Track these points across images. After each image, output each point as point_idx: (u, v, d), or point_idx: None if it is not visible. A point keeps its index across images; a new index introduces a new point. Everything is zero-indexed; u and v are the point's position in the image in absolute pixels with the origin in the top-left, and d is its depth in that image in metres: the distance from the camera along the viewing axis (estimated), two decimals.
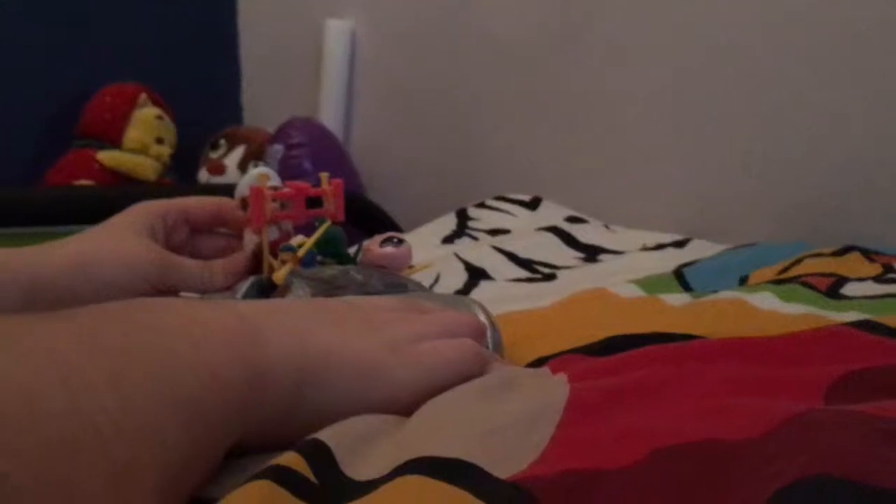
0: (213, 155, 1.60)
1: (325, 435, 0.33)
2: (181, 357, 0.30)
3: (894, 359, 0.41)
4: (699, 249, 0.94)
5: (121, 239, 0.55)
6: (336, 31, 1.52)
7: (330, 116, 1.53)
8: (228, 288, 0.57)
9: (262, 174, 0.59)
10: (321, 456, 0.31)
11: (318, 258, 0.58)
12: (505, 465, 0.29)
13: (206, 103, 1.71)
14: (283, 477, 0.29)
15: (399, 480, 0.28)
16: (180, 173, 1.60)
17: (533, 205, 1.15)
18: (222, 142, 1.60)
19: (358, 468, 0.31)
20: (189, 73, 1.70)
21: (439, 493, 0.27)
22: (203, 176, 1.59)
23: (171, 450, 0.27)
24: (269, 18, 1.69)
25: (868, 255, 0.77)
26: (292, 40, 1.64)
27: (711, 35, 1.08)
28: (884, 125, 0.95)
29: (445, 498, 0.27)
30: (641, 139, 1.16)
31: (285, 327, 0.37)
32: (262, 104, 1.73)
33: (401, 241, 0.59)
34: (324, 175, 0.59)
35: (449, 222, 1.09)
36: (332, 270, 0.55)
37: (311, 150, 1.40)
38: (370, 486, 0.29)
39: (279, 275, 0.53)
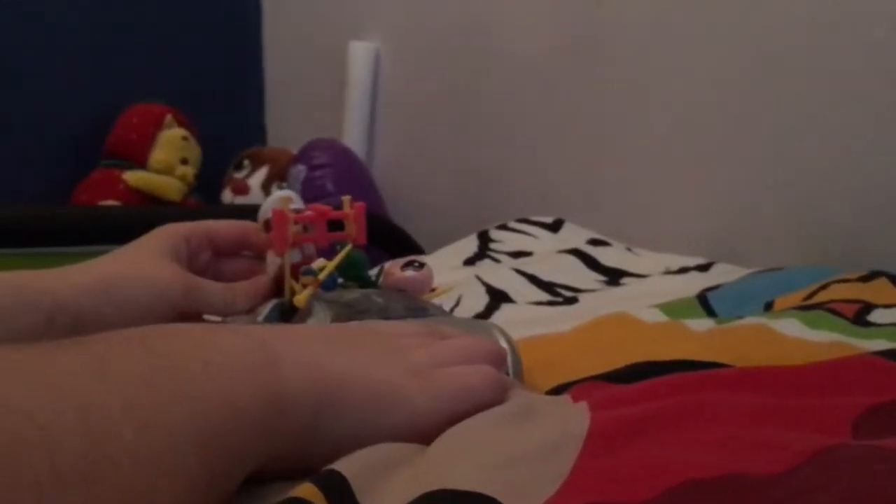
0: (237, 175, 1.61)
1: (341, 465, 0.32)
2: (198, 384, 0.30)
3: None
4: (723, 273, 0.93)
5: (144, 261, 0.55)
6: (359, 53, 1.53)
7: (353, 138, 1.53)
8: (250, 311, 0.57)
9: (285, 197, 0.59)
10: (337, 486, 0.31)
11: (340, 281, 0.58)
12: (522, 497, 0.28)
13: (231, 124, 1.73)
14: None
15: None
16: (205, 194, 1.62)
17: (555, 227, 1.14)
18: (246, 162, 1.62)
19: (375, 499, 0.31)
20: (214, 94, 1.72)
21: None
22: (227, 196, 1.60)
23: (186, 478, 0.27)
24: (293, 40, 1.71)
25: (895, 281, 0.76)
26: (316, 62, 1.65)
27: (735, 55, 1.07)
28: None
29: None
30: (664, 161, 1.16)
31: (303, 353, 0.37)
32: (286, 125, 1.74)
33: (422, 265, 0.59)
34: (346, 198, 0.59)
35: (471, 244, 1.09)
36: (353, 294, 0.55)
37: (333, 171, 1.40)
38: None
39: (301, 298, 0.53)
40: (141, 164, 1.54)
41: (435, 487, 0.29)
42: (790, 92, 1.03)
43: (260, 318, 0.55)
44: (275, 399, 0.33)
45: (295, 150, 1.51)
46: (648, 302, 0.74)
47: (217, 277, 0.59)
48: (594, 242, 1.09)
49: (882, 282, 0.75)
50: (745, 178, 1.08)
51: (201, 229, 0.59)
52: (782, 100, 1.04)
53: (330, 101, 1.58)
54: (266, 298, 0.57)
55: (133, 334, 0.31)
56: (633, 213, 1.18)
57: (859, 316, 0.63)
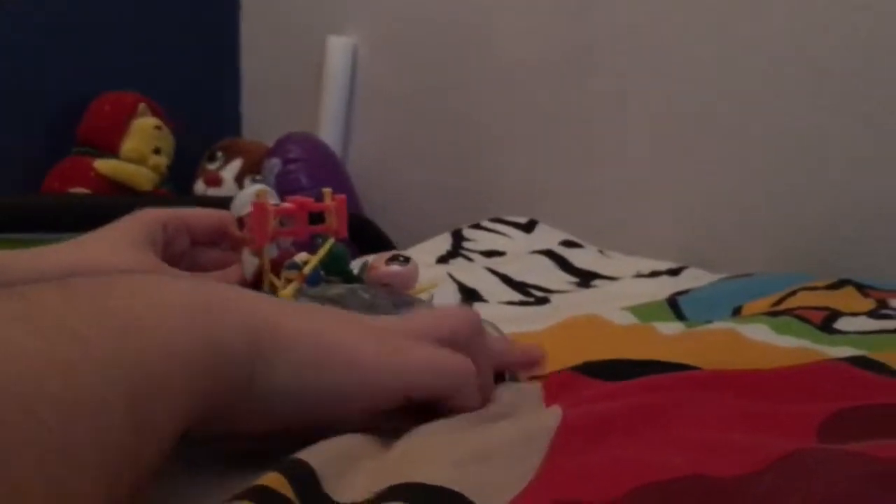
0: (211, 167, 1.60)
1: (309, 454, 0.32)
2: (132, 326, 0.28)
3: (888, 397, 0.41)
4: (693, 278, 0.94)
5: (116, 247, 0.54)
6: (338, 48, 1.53)
7: (329, 132, 1.53)
8: None
9: (263, 190, 0.57)
10: (304, 476, 0.30)
11: (322, 276, 0.56)
12: (490, 494, 0.28)
13: (206, 115, 1.71)
14: (265, 498, 0.28)
15: None
16: (177, 184, 1.60)
17: (528, 227, 1.15)
18: (220, 154, 1.60)
19: (342, 491, 0.31)
20: (189, 85, 1.70)
21: None
22: (200, 187, 1.59)
23: (110, 424, 0.25)
24: (271, 33, 1.70)
25: (862, 289, 0.77)
26: (294, 55, 1.64)
27: (713, 70, 1.08)
28: (883, 159, 0.96)
29: None
30: (641, 167, 1.16)
31: (245, 301, 0.34)
32: (262, 118, 1.73)
33: (407, 259, 0.57)
34: (327, 190, 0.57)
35: (444, 242, 1.09)
36: (337, 289, 0.53)
37: (308, 165, 1.40)
38: None
39: (287, 293, 0.51)
40: (113, 152, 1.52)
41: (403, 481, 0.29)
42: (765, 105, 1.04)
43: None
44: (211, 343, 0.31)
45: (270, 143, 1.50)
46: (619, 304, 0.74)
47: (193, 267, 0.58)
48: (567, 244, 1.09)
49: (849, 290, 0.77)
50: (717, 187, 1.09)
51: (178, 216, 0.58)
52: (757, 113, 1.05)
53: (307, 95, 1.57)
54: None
55: (70, 281, 0.30)
56: (607, 218, 1.19)
57: (826, 323, 0.64)
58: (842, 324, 0.64)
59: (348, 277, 0.57)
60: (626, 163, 1.18)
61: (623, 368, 0.50)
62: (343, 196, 0.57)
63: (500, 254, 1.05)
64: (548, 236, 1.11)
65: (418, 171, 1.46)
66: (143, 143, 1.52)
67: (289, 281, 0.52)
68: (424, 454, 0.33)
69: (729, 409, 0.40)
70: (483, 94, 1.35)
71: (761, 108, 1.04)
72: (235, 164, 1.58)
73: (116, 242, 0.54)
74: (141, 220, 0.56)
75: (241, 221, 0.57)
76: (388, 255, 0.57)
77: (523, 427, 0.35)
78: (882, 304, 0.71)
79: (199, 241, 0.60)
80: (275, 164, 1.42)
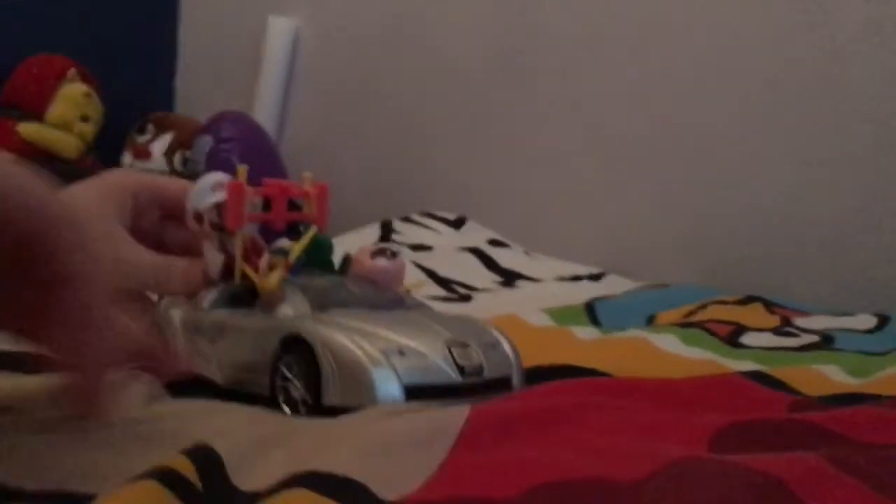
0: (140, 139, 1.57)
1: (217, 441, 0.32)
2: None
3: (779, 412, 0.43)
4: (613, 285, 0.97)
5: (83, 206, 0.48)
6: (278, 29, 1.51)
7: (265, 114, 1.51)
8: (190, 296, 0.51)
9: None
10: (210, 463, 0.31)
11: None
12: (391, 485, 0.29)
13: (139, 86, 1.67)
14: (171, 480, 0.29)
15: (284, 494, 0.28)
16: (103, 155, 1.56)
17: (457, 224, 1.16)
18: (150, 127, 1.57)
19: (247, 478, 0.31)
20: (124, 54, 1.66)
21: None
22: (127, 160, 1.55)
23: None
24: (212, 8, 1.67)
25: (769, 306, 0.80)
26: (234, 33, 1.62)
27: (646, 80, 1.11)
28: (795, 179, 1.00)
29: None
30: (571, 171, 1.19)
31: None
32: (197, 94, 1.70)
33: (395, 254, 0.53)
34: (307, 175, 0.53)
35: (372, 233, 1.09)
36: (322, 280, 0.50)
37: (241, 145, 1.38)
38: (256, 497, 0.29)
39: (272, 280, 0.48)
40: (38, 116, 1.47)
41: (308, 469, 0.30)
42: (683, 121, 1.07)
43: (205, 304, 0.50)
44: None
45: (203, 120, 1.48)
46: (539, 306, 0.76)
47: (161, 244, 0.52)
48: (494, 243, 1.11)
49: (757, 306, 0.80)
50: (643, 198, 1.12)
51: (151, 187, 0.52)
52: (676, 128, 1.08)
53: (245, 75, 1.55)
54: (204, 286, 0.51)
55: None
56: (536, 220, 1.21)
57: (732, 337, 0.66)
58: (747, 339, 0.67)
59: (330, 270, 0.53)
60: (556, 167, 1.20)
61: (537, 372, 0.51)
62: (324, 184, 0.53)
63: (427, 248, 1.06)
64: (476, 234, 1.13)
65: (352, 160, 1.45)
66: (71, 109, 1.48)
67: (271, 267, 0.48)
68: (332, 443, 0.33)
69: (634, 416, 0.41)
70: (422, 86, 1.35)
71: (681, 124, 1.07)
72: (166, 139, 1.55)
73: (85, 205, 0.49)
74: (111, 184, 0.51)
75: (198, 216, 0.50)
76: (373, 247, 0.53)
77: (431, 421, 0.36)
78: (786, 321, 0.74)
79: (171, 216, 0.54)
80: (206, 141, 1.40)
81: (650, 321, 0.76)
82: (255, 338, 0.47)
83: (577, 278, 0.99)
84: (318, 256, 0.52)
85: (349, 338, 0.43)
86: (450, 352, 0.45)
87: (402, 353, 0.43)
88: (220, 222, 0.50)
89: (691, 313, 0.76)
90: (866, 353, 0.62)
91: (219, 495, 0.30)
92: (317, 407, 0.43)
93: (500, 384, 0.46)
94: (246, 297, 0.49)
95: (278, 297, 0.48)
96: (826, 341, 0.67)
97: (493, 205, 1.24)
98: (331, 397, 0.42)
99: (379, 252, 0.52)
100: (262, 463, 0.32)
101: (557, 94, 1.19)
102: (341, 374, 0.42)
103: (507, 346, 0.47)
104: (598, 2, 1.16)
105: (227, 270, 0.50)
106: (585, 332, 0.68)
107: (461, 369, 0.44)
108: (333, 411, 0.41)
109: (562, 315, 0.76)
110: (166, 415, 0.39)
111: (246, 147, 1.38)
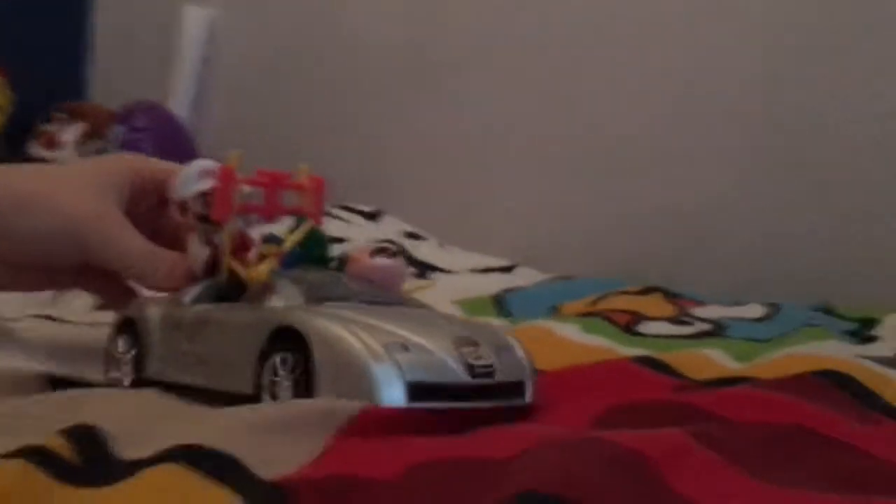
0: (50, 128, 1.53)
1: (102, 417, 0.33)
2: None
3: (660, 394, 0.46)
4: (523, 276, 0.99)
5: (80, 189, 0.47)
6: (194, 18, 1.49)
7: (180, 104, 1.49)
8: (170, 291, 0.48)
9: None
10: (88, 437, 0.31)
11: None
12: (271, 464, 0.30)
13: (49, 74, 1.63)
14: (38, 458, 0.29)
15: (161, 467, 0.29)
16: (9, 143, 1.52)
17: (374, 216, 1.17)
18: (61, 115, 1.53)
19: (132, 450, 0.32)
20: (34, 40, 1.61)
21: (195, 485, 0.28)
22: (35, 149, 1.51)
23: None
24: None
25: (669, 296, 0.84)
26: (149, 21, 1.59)
27: (561, 74, 1.14)
28: (696, 177, 1.04)
29: (199, 489, 0.28)
30: (485, 165, 1.21)
31: None
32: (110, 83, 1.66)
33: (395, 253, 0.52)
34: (303, 167, 0.51)
35: (287, 225, 1.09)
36: (317, 274, 0.46)
37: (154, 135, 1.36)
38: (136, 466, 0.30)
39: (261, 271, 0.44)
40: None
41: (188, 441, 0.31)
42: (603, 119, 1.11)
43: (188, 297, 0.47)
44: None
45: (116, 109, 1.45)
46: (450, 298, 0.78)
47: (154, 234, 0.50)
48: (410, 235, 1.12)
49: (657, 296, 0.83)
50: (553, 192, 1.15)
51: (149, 170, 0.50)
52: (595, 125, 1.11)
53: (160, 64, 1.53)
54: (189, 282, 0.48)
55: None
56: (452, 211, 1.23)
57: (630, 325, 0.69)
58: (644, 327, 0.70)
59: (327, 266, 0.49)
60: (471, 160, 1.22)
61: None
62: (321, 178, 0.50)
63: (342, 241, 1.06)
64: (392, 226, 1.14)
65: (268, 151, 1.44)
66: None
67: (263, 257, 0.45)
68: (217, 419, 0.34)
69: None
70: (339, 78, 1.35)
71: (590, 122, 1.11)
72: (76, 128, 1.51)
73: (83, 184, 0.48)
74: (110, 168, 0.49)
75: (183, 206, 0.47)
76: (372, 246, 0.53)
77: (326, 404, 0.37)
78: (683, 311, 0.78)
79: (167, 203, 0.51)
80: (119, 131, 1.37)
81: (556, 311, 0.78)
82: (240, 331, 0.43)
83: (488, 270, 1.02)
84: (313, 252, 0.48)
85: (347, 329, 0.39)
86: (459, 350, 0.40)
87: (405, 348, 0.39)
88: (207, 213, 0.46)
89: (595, 303, 0.78)
90: (754, 339, 0.66)
91: (98, 465, 0.30)
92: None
93: (512, 389, 0.42)
94: (233, 294, 0.46)
95: (268, 288, 0.44)
96: (718, 329, 0.71)
97: (410, 197, 1.26)
98: (324, 395, 0.38)
99: (379, 250, 0.51)
100: (148, 434, 0.33)
101: (472, 86, 1.21)
102: (337, 369, 0.38)
103: (520, 351, 0.43)
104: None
105: (212, 266, 0.47)
106: (494, 323, 0.70)
107: (471, 369, 0.40)
108: None
109: (472, 306, 0.78)
110: (52, 403, 0.40)
111: (160, 137, 1.36)
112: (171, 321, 0.47)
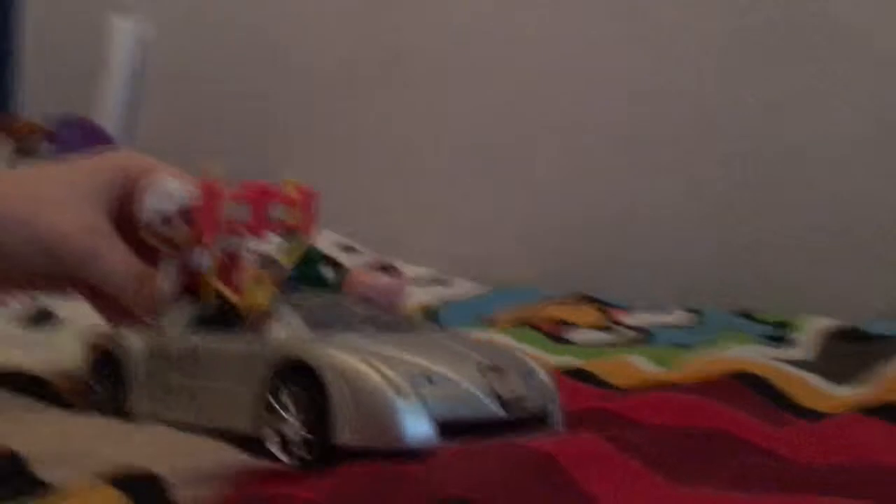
0: None
1: (21, 441, 0.34)
2: None
3: (588, 403, 0.47)
4: (460, 288, 1.01)
5: (55, 197, 0.43)
6: (122, 32, 1.47)
7: (109, 118, 1.47)
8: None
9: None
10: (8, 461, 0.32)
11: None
12: (192, 484, 0.31)
13: None
14: None
15: (81, 486, 0.30)
16: None
17: None
18: None
19: (49, 469, 0.32)
20: None
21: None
22: None
23: None
24: (54, 8, 1.61)
25: (601, 306, 0.86)
26: (77, 33, 1.57)
27: (485, 89, 1.16)
28: (625, 190, 1.07)
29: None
30: (421, 178, 1.22)
31: None
32: (37, 97, 1.63)
33: (396, 270, 0.47)
34: (290, 180, 0.45)
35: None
36: (316, 299, 0.43)
37: (84, 150, 1.34)
38: (50, 486, 0.30)
39: (260, 297, 0.40)
40: None
41: (106, 462, 0.31)
42: (534, 132, 1.13)
43: (171, 327, 0.43)
44: None
45: (44, 123, 1.43)
46: None
47: (140, 247, 0.45)
48: (345, 248, 1.13)
49: (589, 306, 0.85)
50: (488, 205, 1.17)
51: (151, 171, 0.45)
52: (528, 139, 1.14)
53: (88, 78, 1.50)
54: (162, 306, 0.43)
55: None
56: (388, 224, 1.23)
57: (559, 333, 0.71)
58: (571, 335, 0.72)
59: (321, 285, 0.46)
60: (405, 174, 1.23)
61: None
62: (312, 190, 0.45)
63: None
64: (327, 239, 1.14)
65: (201, 163, 1.43)
66: None
67: (258, 280, 0.40)
68: (138, 442, 0.35)
69: None
70: (272, 90, 1.35)
71: (522, 135, 1.13)
72: (5, 145, 1.48)
73: (69, 194, 0.43)
74: (104, 168, 0.45)
75: (163, 219, 0.43)
76: (372, 263, 0.47)
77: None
78: (611, 319, 0.80)
79: None
80: (49, 147, 1.35)
81: (489, 322, 0.80)
82: (239, 364, 0.39)
83: (426, 283, 1.03)
84: (308, 271, 0.45)
85: (366, 362, 0.35)
86: (486, 379, 0.37)
87: (430, 380, 0.36)
88: (170, 236, 0.42)
89: (524, 312, 0.80)
90: (679, 345, 0.68)
91: (14, 486, 0.31)
92: (322, 448, 0.35)
93: (541, 417, 0.39)
94: (222, 321, 0.42)
95: (267, 316, 0.40)
96: (645, 336, 0.73)
97: (346, 210, 1.26)
98: (344, 435, 0.34)
99: (379, 267, 0.46)
100: (71, 459, 0.33)
101: (404, 101, 1.22)
102: (357, 406, 0.34)
103: (543, 375, 0.40)
104: (444, 12, 1.20)
105: (185, 291, 0.42)
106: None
107: (501, 400, 0.37)
108: (344, 453, 0.34)
109: None
110: None
111: (88, 152, 1.34)
112: (158, 353, 0.43)
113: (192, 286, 0.42)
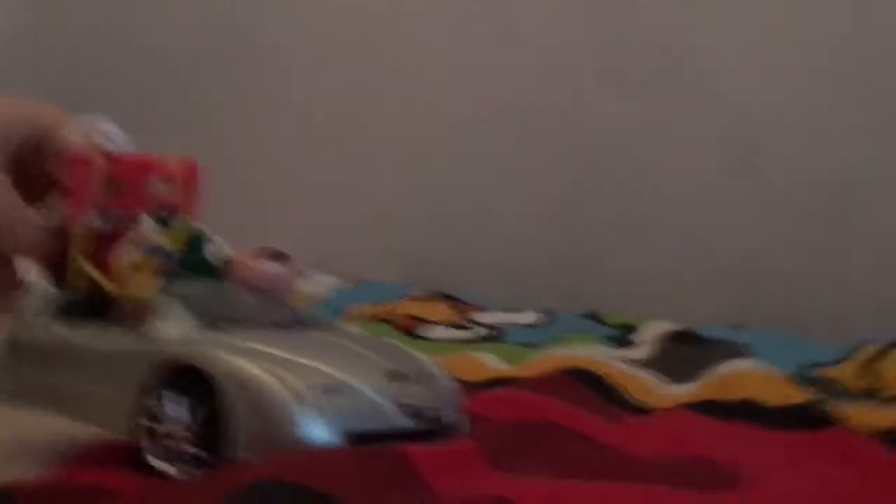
0: None
1: None
2: None
3: None
4: (318, 283, 1.00)
5: None
6: None
7: None
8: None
9: (102, 129, 0.40)
10: None
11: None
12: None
13: None
14: None
15: None
16: None
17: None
18: None
19: None
20: None
21: None
22: None
23: None
24: None
25: (454, 302, 0.88)
26: None
27: (359, 83, 1.16)
28: (482, 189, 1.09)
29: None
30: (280, 169, 1.21)
31: None
32: None
33: (286, 256, 0.43)
34: (171, 148, 0.41)
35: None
36: (201, 287, 0.38)
37: None
38: None
39: (142, 286, 0.36)
40: None
41: None
42: (404, 131, 1.14)
43: (34, 317, 0.38)
44: None
45: None
46: None
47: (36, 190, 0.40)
48: None
49: (443, 303, 0.87)
50: (349, 198, 1.17)
51: (48, 128, 0.40)
52: (396, 138, 1.14)
53: None
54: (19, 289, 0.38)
55: None
56: (245, 217, 1.21)
57: (413, 329, 0.72)
58: (426, 331, 0.73)
59: (206, 271, 0.41)
60: (266, 164, 1.21)
61: None
62: (193, 160, 0.41)
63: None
64: None
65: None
66: None
67: (136, 268, 0.36)
68: None
69: None
70: (138, 84, 1.30)
71: (386, 135, 1.14)
72: None
73: None
74: (9, 111, 0.40)
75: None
76: (257, 249, 0.42)
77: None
78: (465, 316, 0.82)
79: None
80: None
81: (342, 316, 0.80)
82: (116, 366, 0.35)
83: None
84: (195, 256, 0.40)
85: (263, 368, 0.33)
86: (391, 388, 0.35)
87: (337, 389, 0.34)
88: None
89: (380, 308, 0.81)
90: (527, 343, 0.71)
91: None
92: (213, 464, 0.32)
93: (445, 424, 0.37)
94: (90, 309, 0.37)
95: (149, 309, 0.36)
96: (496, 334, 0.75)
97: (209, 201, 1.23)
98: (238, 450, 0.32)
99: (267, 254, 0.42)
100: None
101: (271, 91, 1.21)
102: (257, 420, 0.32)
103: (444, 379, 0.39)
104: None
105: (52, 271, 0.38)
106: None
107: (406, 409, 0.35)
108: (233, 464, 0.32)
109: None
110: None
111: None
112: (21, 346, 0.38)
113: (60, 266, 0.37)
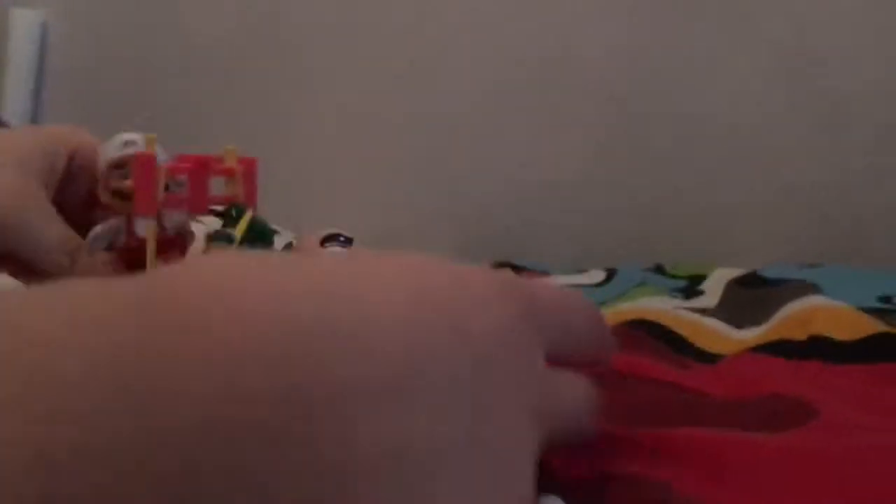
0: None
1: None
2: None
3: None
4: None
5: None
6: (23, 22, 1.43)
7: (15, 113, 1.43)
8: None
9: (151, 137, 0.41)
10: None
11: None
12: None
13: None
14: None
15: None
16: None
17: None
18: None
19: None
20: None
21: None
22: None
23: None
24: None
25: (517, 270, 0.88)
26: None
27: (396, 62, 1.16)
28: (534, 151, 1.09)
29: None
30: (332, 152, 1.22)
31: None
32: None
33: (349, 240, 0.43)
34: (230, 148, 0.43)
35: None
36: None
37: None
38: None
39: None
40: None
41: None
42: (447, 104, 1.14)
43: None
44: None
45: None
46: None
47: (80, 225, 0.42)
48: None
49: (504, 271, 0.87)
50: (403, 175, 1.18)
51: (94, 148, 0.42)
52: (441, 114, 1.14)
53: None
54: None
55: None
56: (303, 199, 1.23)
57: None
58: None
59: None
60: (316, 148, 1.23)
61: None
62: (253, 159, 0.43)
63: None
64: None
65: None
66: None
67: None
68: None
69: None
70: (180, 74, 1.33)
71: (433, 111, 1.14)
72: None
73: (4, 161, 0.39)
74: (43, 138, 0.41)
75: (105, 183, 0.41)
76: (322, 233, 0.42)
77: None
78: None
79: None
80: None
81: None
82: None
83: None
84: (258, 245, 0.41)
85: None
86: None
87: None
88: (124, 188, 0.39)
89: None
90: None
91: None
92: None
93: None
94: None
95: None
96: None
97: (262, 188, 1.25)
98: None
99: (330, 237, 0.42)
100: None
101: (314, 75, 1.22)
102: None
103: None
104: None
105: (134, 262, 0.39)
106: None
107: None
108: None
109: None
110: None
111: None
112: None
113: (130, 266, 0.39)
